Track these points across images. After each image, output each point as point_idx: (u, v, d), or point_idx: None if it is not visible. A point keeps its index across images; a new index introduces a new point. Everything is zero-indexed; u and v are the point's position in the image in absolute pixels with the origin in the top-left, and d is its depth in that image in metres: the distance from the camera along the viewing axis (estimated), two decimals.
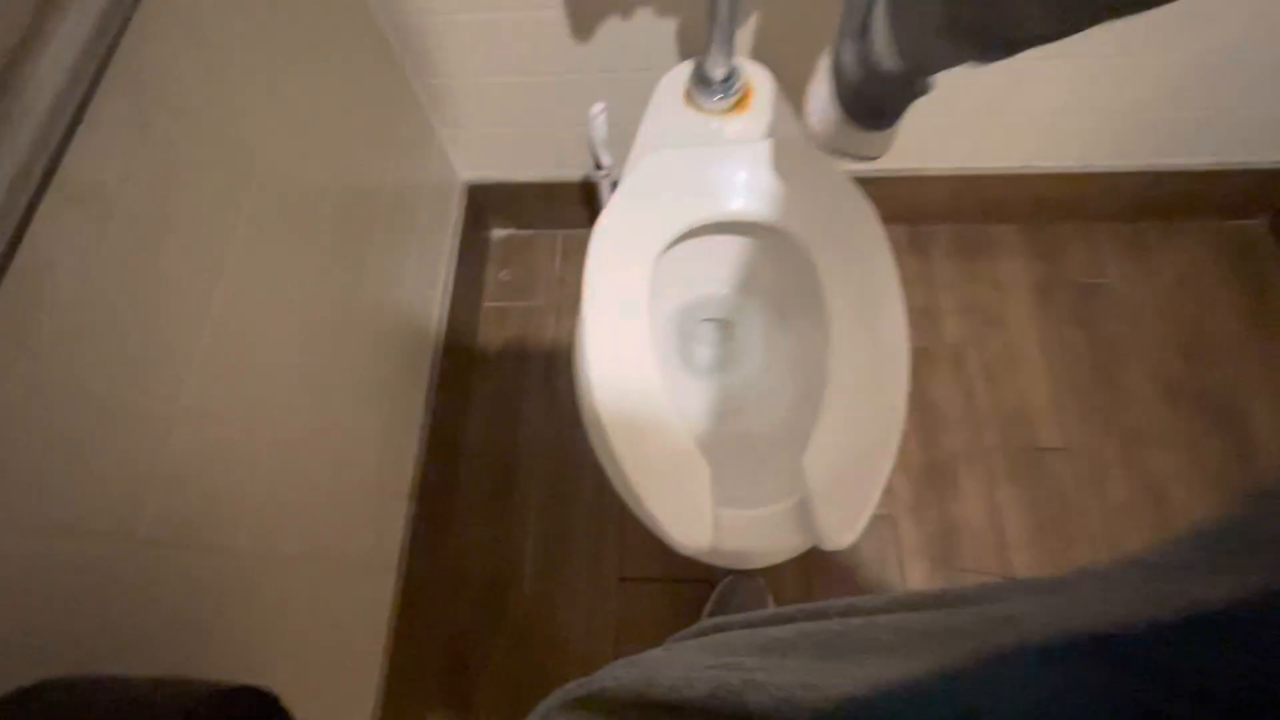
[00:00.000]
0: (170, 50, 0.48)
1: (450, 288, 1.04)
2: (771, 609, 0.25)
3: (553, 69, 0.87)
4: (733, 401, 0.84)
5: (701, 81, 0.70)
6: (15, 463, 0.37)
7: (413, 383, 0.94)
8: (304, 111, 0.65)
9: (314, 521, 0.68)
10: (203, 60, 0.51)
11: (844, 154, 0.57)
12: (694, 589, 0.96)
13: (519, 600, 0.98)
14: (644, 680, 0.22)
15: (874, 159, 0.57)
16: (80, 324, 0.41)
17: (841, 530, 0.56)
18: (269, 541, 0.60)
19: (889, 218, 0.66)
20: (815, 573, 0.97)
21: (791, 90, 0.67)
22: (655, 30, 0.81)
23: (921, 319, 1.11)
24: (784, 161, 0.68)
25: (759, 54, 0.82)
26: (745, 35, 0.81)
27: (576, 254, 1.17)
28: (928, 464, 1.02)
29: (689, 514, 0.57)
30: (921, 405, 1.06)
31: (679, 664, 0.22)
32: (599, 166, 0.84)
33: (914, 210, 1.13)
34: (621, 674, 0.23)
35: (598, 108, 0.75)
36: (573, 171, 1.07)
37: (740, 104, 0.72)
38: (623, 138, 0.77)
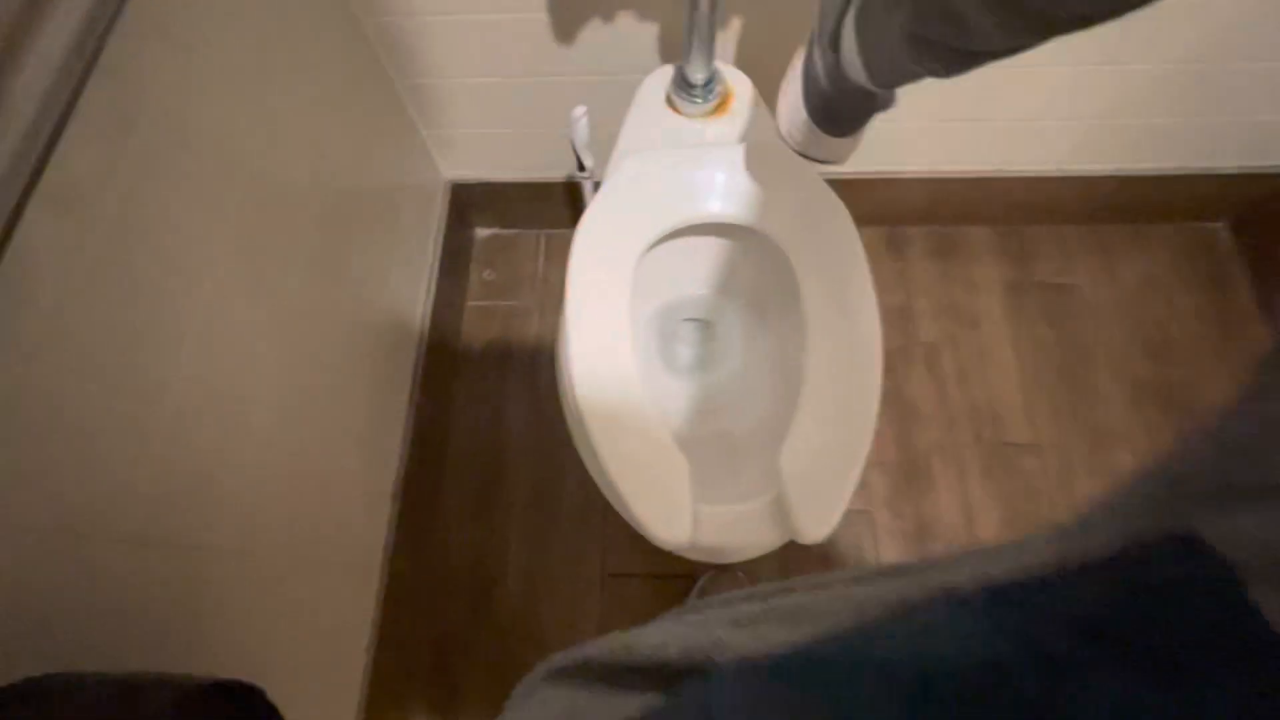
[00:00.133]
0: (154, 53, 0.48)
1: (434, 287, 1.04)
2: (748, 589, 0.27)
3: (535, 70, 0.88)
4: (712, 400, 0.85)
5: (682, 85, 0.71)
6: None
7: (396, 382, 0.95)
8: (286, 113, 0.66)
9: (298, 521, 0.68)
10: (186, 62, 0.52)
11: (809, 156, 0.59)
12: (677, 584, 0.98)
13: (504, 597, 0.99)
14: (623, 646, 0.24)
15: (836, 164, 0.59)
16: (64, 325, 0.41)
17: (817, 524, 0.58)
18: (253, 541, 0.60)
19: (866, 219, 0.68)
20: (793, 567, 0.99)
21: (770, 95, 0.69)
22: (637, 34, 0.82)
23: (898, 318, 1.14)
24: (762, 164, 0.70)
25: (739, 59, 0.84)
26: (726, 41, 0.82)
27: (560, 254, 1.18)
28: (903, 460, 1.05)
29: (668, 510, 0.59)
30: (897, 403, 1.08)
31: (657, 632, 0.24)
32: (581, 168, 0.85)
33: (891, 212, 1.15)
34: (603, 642, 0.25)
35: (579, 111, 0.76)
36: (556, 171, 1.08)
37: (721, 107, 0.73)
38: (606, 139, 0.78)
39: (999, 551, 0.21)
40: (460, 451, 1.07)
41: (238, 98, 0.58)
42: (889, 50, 0.38)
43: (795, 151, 0.59)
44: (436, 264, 1.06)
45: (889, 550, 1.00)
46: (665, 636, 0.23)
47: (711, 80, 0.71)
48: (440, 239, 1.08)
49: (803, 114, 0.54)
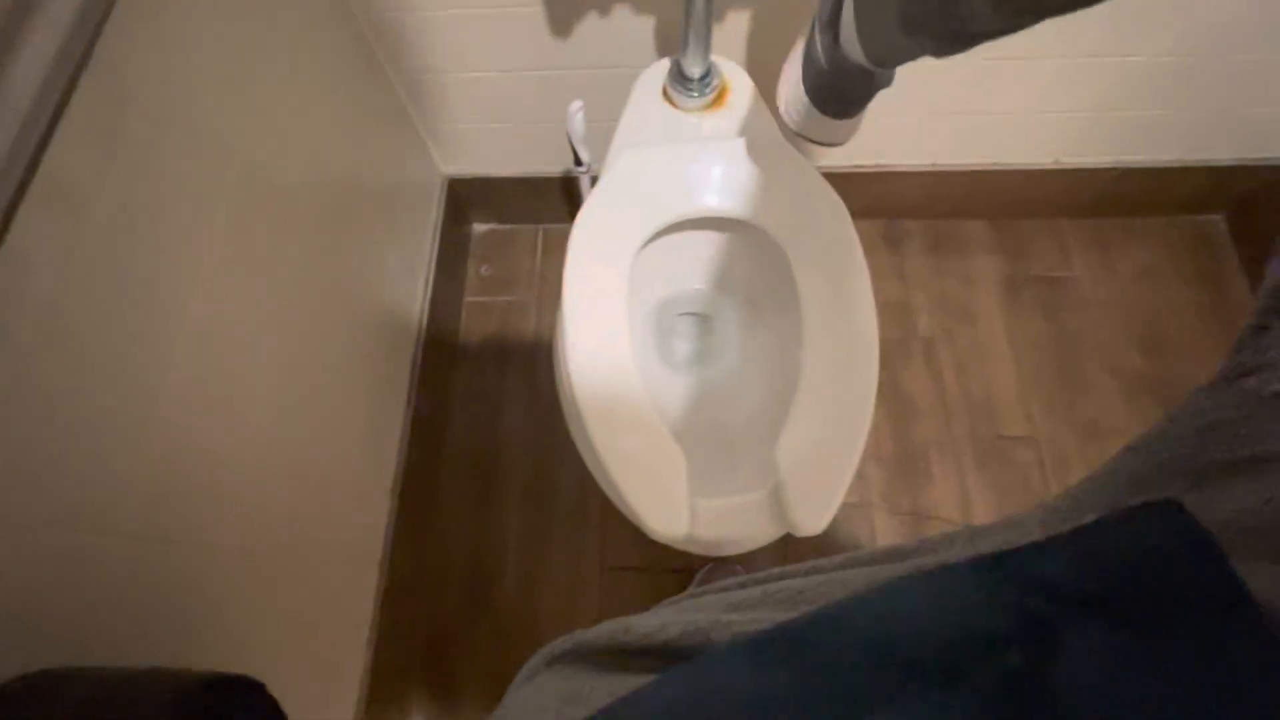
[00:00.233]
0: (146, 49, 0.48)
1: (431, 283, 1.04)
2: (744, 576, 0.28)
3: (532, 65, 0.88)
4: (709, 394, 0.85)
5: (679, 79, 0.71)
6: None
7: (394, 378, 0.95)
8: (282, 109, 0.65)
9: (297, 517, 0.68)
10: (179, 58, 0.51)
11: (810, 139, 0.59)
12: (674, 578, 0.98)
13: (502, 592, 0.99)
14: (621, 628, 0.24)
15: (838, 145, 0.59)
16: (59, 322, 0.41)
17: (814, 517, 0.58)
18: (252, 536, 0.60)
19: (863, 213, 0.68)
20: (791, 559, 0.99)
21: (767, 88, 0.69)
22: (633, 27, 0.82)
23: (895, 312, 1.14)
24: (759, 159, 0.69)
25: (736, 53, 0.83)
26: (723, 35, 0.82)
27: (557, 249, 1.18)
28: (900, 453, 1.05)
29: (665, 503, 0.59)
30: (895, 396, 1.08)
31: (656, 616, 0.24)
32: (578, 163, 0.85)
33: (888, 206, 1.15)
34: (602, 627, 0.25)
35: (576, 105, 0.76)
36: (553, 166, 1.08)
37: (717, 101, 0.73)
38: (603, 134, 0.78)
39: (990, 530, 0.21)
40: (458, 447, 1.08)
41: (232, 94, 0.58)
42: (885, 28, 0.38)
43: (794, 133, 0.59)
44: (434, 260, 1.05)
45: (886, 542, 1.00)
46: (664, 619, 0.23)
47: (708, 74, 0.71)
48: (437, 234, 1.07)
49: (802, 95, 0.55)
